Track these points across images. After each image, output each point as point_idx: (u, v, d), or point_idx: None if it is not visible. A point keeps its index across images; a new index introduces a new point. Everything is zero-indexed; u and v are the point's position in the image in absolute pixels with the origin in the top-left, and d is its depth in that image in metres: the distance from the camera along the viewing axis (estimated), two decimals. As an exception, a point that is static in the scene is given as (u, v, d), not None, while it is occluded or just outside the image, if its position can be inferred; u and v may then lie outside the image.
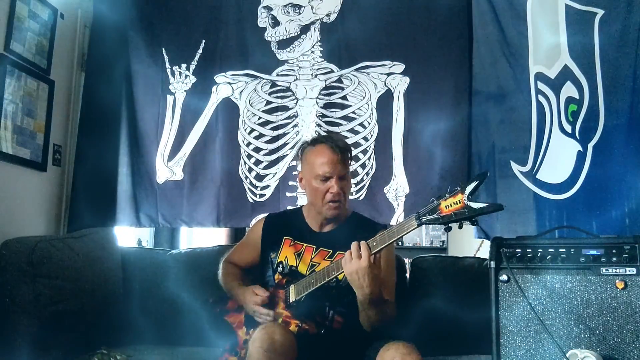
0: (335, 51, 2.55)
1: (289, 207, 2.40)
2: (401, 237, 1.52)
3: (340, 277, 1.63)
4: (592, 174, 2.10)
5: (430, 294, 2.14)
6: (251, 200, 2.55)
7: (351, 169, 2.43)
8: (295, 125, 2.54)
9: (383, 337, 1.59)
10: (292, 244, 1.84)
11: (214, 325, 1.89)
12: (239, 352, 1.72)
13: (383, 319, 1.62)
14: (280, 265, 1.80)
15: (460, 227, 1.41)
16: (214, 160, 2.59)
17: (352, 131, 2.49)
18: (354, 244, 1.53)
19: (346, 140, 2.45)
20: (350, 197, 2.44)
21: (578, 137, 2.15)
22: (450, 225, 1.42)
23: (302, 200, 2.42)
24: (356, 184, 2.47)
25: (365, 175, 2.48)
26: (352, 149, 2.14)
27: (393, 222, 2.41)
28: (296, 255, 1.81)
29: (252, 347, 1.47)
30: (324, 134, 2.08)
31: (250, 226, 2.28)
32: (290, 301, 1.69)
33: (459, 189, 1.39)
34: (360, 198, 2.47)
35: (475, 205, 1.36)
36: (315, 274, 1.65)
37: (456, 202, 1.38)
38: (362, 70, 2.52)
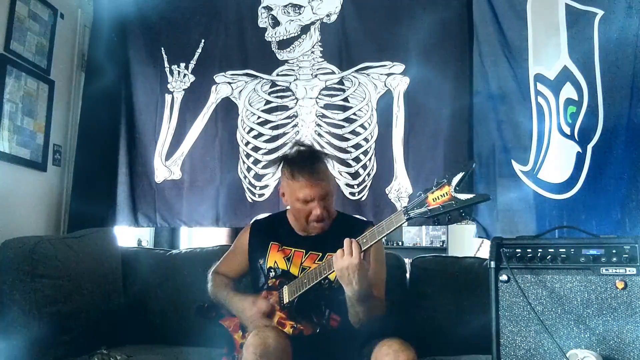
0: (335, 51, 2.55)
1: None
2: (391, 232, 1.50)
3: (332, 276, 1.62)
4: (592, 175, 2.10)
5: (430, 294, 2.14)
6: (250, 200, 2.54)
7: (352, 169, 2.44)
8: (295, 125, 2.54)
9: (379, 334, 1.59)
10: (281, 249, 1.82)
11: (212, 327, 1.88)
12: (237, 356, 1.71)
13: (371, 316, 1.62)
14: (272, 270, 1.78)
15: (450, 222, 1.40)
16: (213, 160, 2.59)
17: (353, 133, 2.49)
18: (346, 241, 1.52)
19: (347, 141, 2.47)
20: (351, 197, 2.45)
21: (577, 139, 2.15)
22: (439, 218, 1.41)
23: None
24: (357, 185, 2.47)
25: (367, 176, 2.48)
26: (328, 153, 2.11)
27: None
28: (285, 259, 1.79)
29: (246, 353, 1.47)
30: (299, 149, 1.81)
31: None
32: (284, 302, 1.69)
33: (445, 180, 1.38)
34: (362, 199, 2.47)
35: (462, 196, 1.35)
36: (307, 274, 1.64)
37: (443, 194, 1.37)
38: (362, 71, 2.52)
